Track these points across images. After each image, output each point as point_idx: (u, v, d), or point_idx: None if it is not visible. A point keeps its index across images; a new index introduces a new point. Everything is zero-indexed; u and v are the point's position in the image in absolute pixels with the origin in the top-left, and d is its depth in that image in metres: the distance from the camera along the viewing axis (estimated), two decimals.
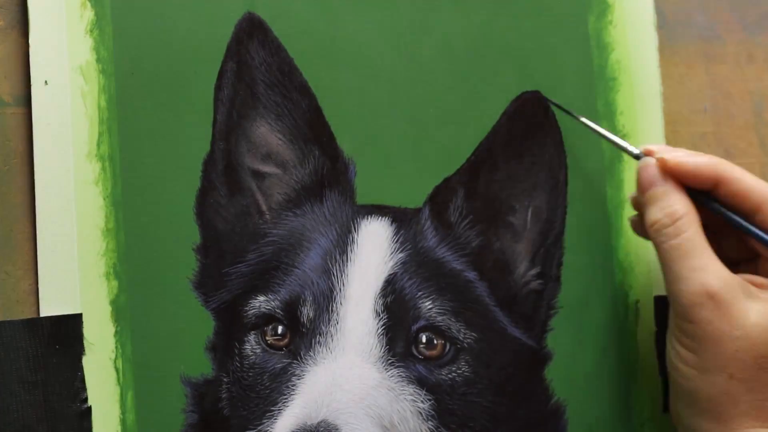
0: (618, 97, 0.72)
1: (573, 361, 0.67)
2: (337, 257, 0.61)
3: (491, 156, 0.65)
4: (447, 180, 0.64)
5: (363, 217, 0.63)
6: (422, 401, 0.59)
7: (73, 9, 0.59)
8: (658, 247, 0.61)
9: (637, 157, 0.64)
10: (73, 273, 0.58)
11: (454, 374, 0.60)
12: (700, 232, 0.60)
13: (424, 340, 0.60)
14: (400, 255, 0.62)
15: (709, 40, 0.77)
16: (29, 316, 0.57)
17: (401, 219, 0.63)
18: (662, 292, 0.71)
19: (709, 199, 0.62)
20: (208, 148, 0.61)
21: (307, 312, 0.60)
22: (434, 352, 0.60)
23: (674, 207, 0.61)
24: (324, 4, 0.64)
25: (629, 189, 0.71)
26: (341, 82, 0.64)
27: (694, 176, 0.61)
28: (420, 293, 0.60)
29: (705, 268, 0.59)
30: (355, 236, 0.62)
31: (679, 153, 0.62)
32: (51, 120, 0.58)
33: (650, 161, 0.63)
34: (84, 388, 0.57)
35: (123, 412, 0.58)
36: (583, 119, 0.66)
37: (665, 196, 0.61)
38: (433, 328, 0.60)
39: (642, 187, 0.63)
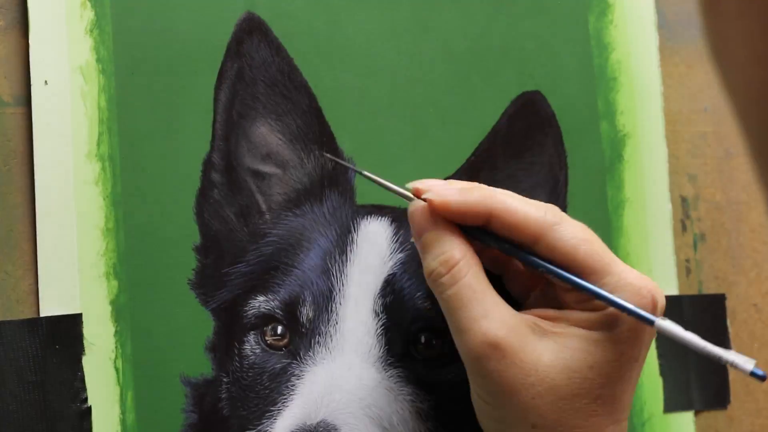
0: (618, 97, 0.72)
1: None
2: (337, 257, 0.61)
3: (491, 156, 0.65)
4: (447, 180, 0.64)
5: (363, 217, 0.63)
6: (421, 401, 0.59)
7: (73, 9, 0.59)
8: (438, 298, 0.54)
9: (410, 199, 0.56)
10: (73, 273, 0.58)
11: (453, 374, 0.60)
12: (480, 276, 0.53)
13: (423, 340, 0.60)
14: (400, 255, 0.62)
15: None
16: (29, 316, 0.57)
17: (401, 219, 0.63)
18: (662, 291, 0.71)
19: (485, 234, 0.55)
20: (208, 148, 0.62)
21: (306, 312, 0.60)
22: (433, 353, 0.60)
23: (449, 253, 0.53)
24: (324, 4, 0.64)
25: (629, 189, 0.70)
26: (341, 82, 0.64)
27: (464, 214, 0.54)
28: (419, 293, 0.60)
29: (486, 316, 0.52)
30: (355, 236, 0.62)
31: (449, 190, 0.54)
32: (51, 120, 0.58)
33: (419, 204, 0.55)
34: (84, 388, 0.57)
35: (123, 412, 0.58)
36: (365, 173, 0.59)
37: (437, 242, 0.54)
38: (432, 329, 0.60)
39: (415, 234, 0.55)
